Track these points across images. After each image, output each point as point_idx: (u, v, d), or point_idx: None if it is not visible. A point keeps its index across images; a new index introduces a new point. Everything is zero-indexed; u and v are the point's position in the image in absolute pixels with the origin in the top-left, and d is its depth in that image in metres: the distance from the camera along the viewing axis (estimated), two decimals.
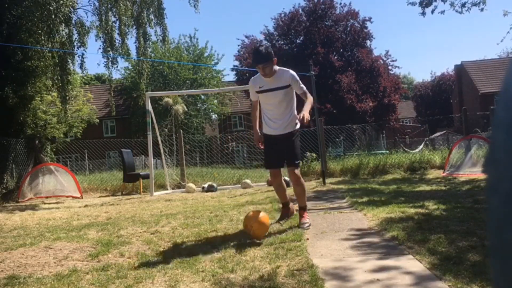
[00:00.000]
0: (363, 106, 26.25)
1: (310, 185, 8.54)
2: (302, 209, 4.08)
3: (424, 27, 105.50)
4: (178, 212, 5.48)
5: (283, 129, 3.95)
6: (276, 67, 3.90)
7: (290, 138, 3.96)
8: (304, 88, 3.98)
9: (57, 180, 9.35)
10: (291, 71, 3.96)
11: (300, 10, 28.75)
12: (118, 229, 4.39)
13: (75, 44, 10.46)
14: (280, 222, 4.09)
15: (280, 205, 5.41)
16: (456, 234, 3.20)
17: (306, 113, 3.69)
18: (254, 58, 3.90)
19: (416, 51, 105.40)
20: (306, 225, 3.86)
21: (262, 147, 4.10)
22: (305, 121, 3.66)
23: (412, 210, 4.38)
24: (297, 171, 4.03)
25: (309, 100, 3.92)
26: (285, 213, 4.23)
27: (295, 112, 4.00)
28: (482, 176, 7.61)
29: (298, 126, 4.01)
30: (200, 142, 17.64)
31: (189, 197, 7.89)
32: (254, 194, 7.58)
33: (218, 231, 3.93)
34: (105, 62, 10.96)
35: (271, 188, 8.50)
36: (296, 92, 4.03)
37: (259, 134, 4.12)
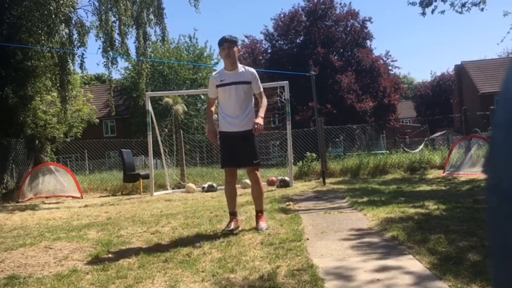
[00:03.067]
0: (363, 106, 26.25)
1: (310, 185, 8.54)
2: (260, 212, 3.95)
3: (424, 27, 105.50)
4: (178, 212, 5.48)
5: (242, 126, 3.84)
6: (239, 64, 3.94)
7: (249, 136, 3.85)
8: (262, 89, 4.01)
9: (57, 180, 9.35)
10: (253, 70, 4.00)
11: (300, 10, 28.75)
12: (118, 229, 4.40)
13: (75, 44, 10.46)
14: (226, 230, 3.79)
15: (280, 205, 5.43)
16: (456, 234, 3.20)
17: (260, 120, 3.70)
18: (219, 42, 3.89)
19: (416, 51, 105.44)
20: (264, 228, 3.72)
21: (217, 142, 3.98)
22: (258, 130, 3.67)
23: (412, 210, 4.38)
24: (257, 172, 3.92)
25: (264, 103, 3.94)
26: (257, 221, 3.93)
27: (253, 111, 3.95)
28: (482, 176, 7.61)
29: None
30: (200, 142, 17.64)
31: (189, 197, 7.89)
32: None
33: (218, 231, 3.93)
34: (104, 62, 10.97)
35: (271, 188, 8.52)
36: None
37: (214, 127, 3.98)
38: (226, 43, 3.83)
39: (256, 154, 3.90)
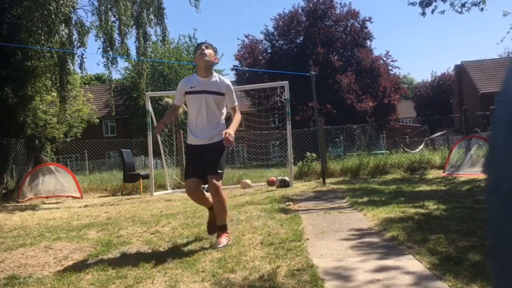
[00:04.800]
0: (363, 106, 26.24)
1: (310, 185, 8.54)
2: (221, 229, 3.48)
3: (424, 27, 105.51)
4: (178, 212, 5.48)
5: (210, 139, 3.50)
6: (215, 73, 3.65)
7: (216, 148, 3.50)
8: (237, 103, 3.69)
9: (57, 180, 9.35)
10: (229, 81, 3.69)
11: (300, 10, 28.75)
12: (118, 229, 4.40)
13: (74, 44, 10.47)
14: (213, 230, 3.59)
15: (280, 205, 5.43)
16: (456, 234, 3.20)
17: (232, 132, 3.38)
18: (196, 46, 3.67)
19: (416, 51, 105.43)
20: (220, 246, 3.29)
21: (159, 132, 3.70)
22: (229, 141, 3.33)
23: (412, 210, 4.38)
24: (219, 183, 3.46)
25: (238, 118, 3.61)
26: (218, 236, 3.49)
27: (223, 123, 3.62)
28: (482, 176, 7.61)
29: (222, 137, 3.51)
30: None
31: None
32: (254, 194, 7.58)
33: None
34: (104, 62, 10.97)
35: (271, 188, 8.52)
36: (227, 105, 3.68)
37: (166, 122, 3.72)
38: (203, 45, 3.60)
39: (221, 164, 3.51)
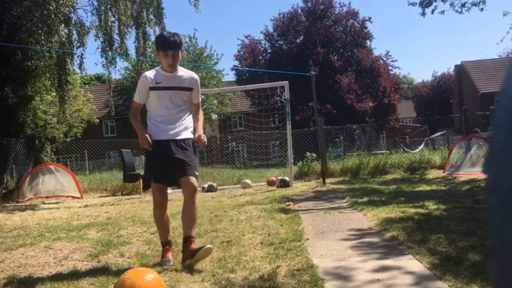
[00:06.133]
0: (363, 106, 26.23)
1: (310, 185, 8.54)
2: (189, 239, 2.94)
3: (424, 27, 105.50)
4: (178, 212, 5.45)
5: (177, 133, 3.17)
6: (179, 66, 3.29)
7: (187, 146, 3.17)
8: (200, 99, 3.44)
9: (57, 180, 9.35)
10: (196, 75, 3.40)
11: (299, 10, 28.77)
12: (118, 229, 4.40)
13: (74, 44, 10.46)
14: (167, 264, 2.96)
15: (280, 205, 5.43)
16: (456, 234, 3.20)
17: (202, 133, 3.20)
18: (160, 45, 3.19)
19: (416, 51, 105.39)
20: (171, 263, 2.94)
21: (150, 146, 3.11)
22: (204, 144, 3.16)
23: (412, 210, 4.38)
24: (195, 185, 3.08)
25: (201, 117, 3.38)
26: (188, 251, 2.87)
27: (191, 119, 3.35)
28: (482, 176, 7.61)
29: (192, 135, 3.30)
30: None
31: None
32: (254, 194, 7.58)
33: (218, 231, 3.94)
34: (103, 62, 10.97)
35: (271, 188, 8.52)
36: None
37: (145, 130, 3.21)
38: (171, 51, 3.13)
39: (195, 166, 3.16)
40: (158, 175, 3.14)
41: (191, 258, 2.81)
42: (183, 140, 3.17)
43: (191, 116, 3.35)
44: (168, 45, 3.13)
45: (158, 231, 3.28)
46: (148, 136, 3.10)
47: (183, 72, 3.32)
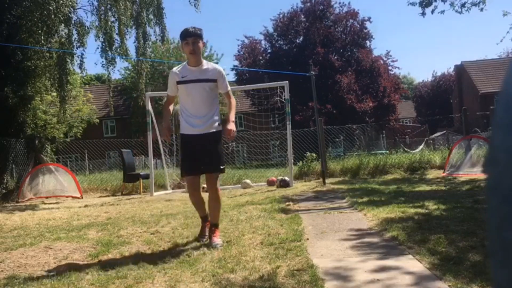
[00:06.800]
0: (363, 106, 26.24)
1: (310, 185, 8.54)
2: (215, 227, 3.51)
3: (424, 27, 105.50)
4: (178, 212, 5.48)
5: (206, 128, 3.45)
6: (204, 60, 3.59)
7: (214, 139, 3.47)
8: (229, 88, 3.66)
9: (57, 180, 9.34)
10: (220, 67, 3.64)
11: (299, 10, 28.77)
12: (118, 229, 4.40)
13: (74, 44, 10.46)
14: (202, 240, 3.54)
15: (280, 205, 5.43)
16: (456, 234, 3.20)
17: (232, 126, 3.37)
18: (182, 35, 3.46)
19: (417, 51, 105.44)
20: (219, 246, 3.31)
21: (169, 139, 3.63)
22: (232, 137, 3.33)
23: (412, 210, 4.38)
24: (217, 180, 3.55)
25: (233, 104, 3.58)
26: (210, 236, 3.49)
27: (219, 112, 3.60)
28: (482, 176, 7.61)
29: (220, 128, 3.54)
30: None
31: None
32: (254, 194, 7.58)
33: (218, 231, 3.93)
34: (102, 62, 10.96)
35: (271, 188, 8.52)
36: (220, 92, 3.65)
37: (169, 125, 3.58)
38: (190, 38, 3.41)
39: (221, 160, 3.51)
40: (188, 167, 3.51)
41: (210, 242, 3.39)
42: (210, 133, 3.45)
43: (217, 108, 3.58)
44: (188, 33, 3.42)
45: (197, 210, 3.74)
46: (169, 129, 3.51)
47: (207, 65, 3.57)
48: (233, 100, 3.62)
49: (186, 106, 3.50)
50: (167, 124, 3.54)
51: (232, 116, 3.46)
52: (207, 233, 3.55)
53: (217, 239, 3.41)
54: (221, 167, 3.50)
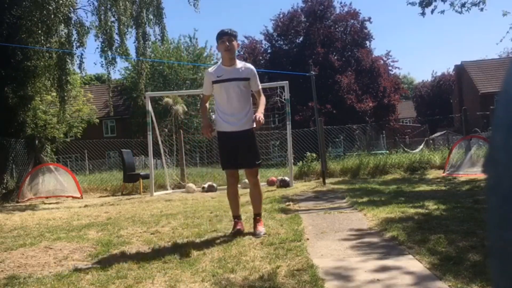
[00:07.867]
0: (363, 106, 26.25)
1: (310, 185, 8.54)
2: (258, 216, 3.80)
3: (424, 27, 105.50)
4: (178, 212, 5.48)
5: (241, 125, 3.66)
6: (238, 60, 3.79)
7: (249, 135, 3.70)
8: (260, 87, 3.84)
9: (57, 180, 9.34)
10: (252, 66, 3.82)
11: (299, 10, 28.78)
12: (118, 229, 4.39)
13: (74, 44, 10.45)
14: (235, 232, 3.73)
15: (280, 205, 5.43)
16: (456, 234, 3.20)
17: (261, 114, 3.56)
18: (218, 35, 3.68)
19: (417, 51, 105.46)
20: (262, 233, 3.57)
21: (210, 135, 3.76)
22: (260, 123, 3.53)
23: (412, 210, 4.38)
24: (257, 174, 3.79)
25: (263, 101, 3.76)
26: (255, 226, 3.75)
27: (252, 110, 3.78)
28: (482, 176, 7.61)
29: (255, 124, 3.72)
30: (200, 142, 17.61)
31: (189, 197, 7.89)
32: None
33: (218, 231, 3.93)
34: (102, 62, 10.96)
35: (271, 188, 8.51)
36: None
37: (209, 122, 3.77)
38: (226, 36, 3.62)
39: (258, 155, 3.76)
40: (226, 163, 3.76)
41: (254, 230, 3.64)
42: (245, 130, 3.67)
43: (251, 106, 3.78)
44: (224, 32, 3.65)
45: (231, 207, 3.92)
46: (209, 126, 3.68)
47: (241, 64, 3.77)
48: (263, 98, 3.81)
49: (221, 105, 3.69)
50: (206, 121, 3.75)
51: (262, 109, 3.65)
52: (238, 227, 3.75)
53: (262, 228, 3.66)
54: (257, 162, 3.72)
